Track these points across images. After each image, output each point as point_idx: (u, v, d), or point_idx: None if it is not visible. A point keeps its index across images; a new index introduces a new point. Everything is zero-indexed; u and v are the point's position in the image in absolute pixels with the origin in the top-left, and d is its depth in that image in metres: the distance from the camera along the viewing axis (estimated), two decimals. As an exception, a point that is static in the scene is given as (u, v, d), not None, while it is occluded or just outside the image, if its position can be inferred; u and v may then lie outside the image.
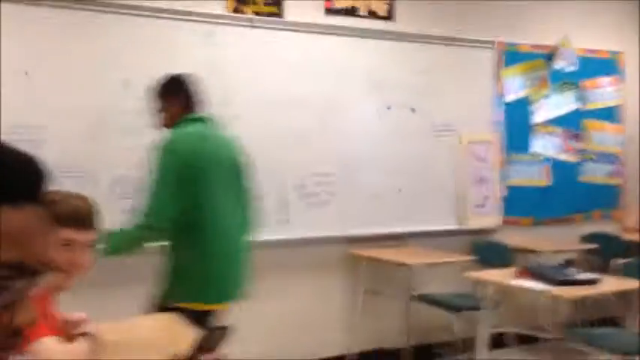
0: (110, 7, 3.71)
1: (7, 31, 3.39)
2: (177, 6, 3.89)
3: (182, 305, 2.53)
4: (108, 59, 3.70)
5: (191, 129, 2.81)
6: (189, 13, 3.91)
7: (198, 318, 2.27)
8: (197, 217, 2.72)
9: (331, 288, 4.46)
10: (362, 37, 4.44)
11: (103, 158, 3.66)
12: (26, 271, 0.69)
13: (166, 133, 2.83)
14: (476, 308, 3.97)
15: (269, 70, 4.14)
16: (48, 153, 3.38)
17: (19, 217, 0.67)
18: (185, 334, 1.61)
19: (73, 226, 1.62)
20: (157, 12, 3.83)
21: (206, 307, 2.71)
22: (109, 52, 3.70)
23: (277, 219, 4.10)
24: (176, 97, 2.90)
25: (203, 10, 3.96)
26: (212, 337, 1.16)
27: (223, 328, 1.17)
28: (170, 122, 2.87)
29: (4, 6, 3.38)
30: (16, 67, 3.45)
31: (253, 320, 3.79)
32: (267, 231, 4.02)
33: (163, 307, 2.61)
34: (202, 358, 1.12)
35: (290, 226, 4.19)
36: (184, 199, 2.68)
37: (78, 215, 1.65)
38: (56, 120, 3.55)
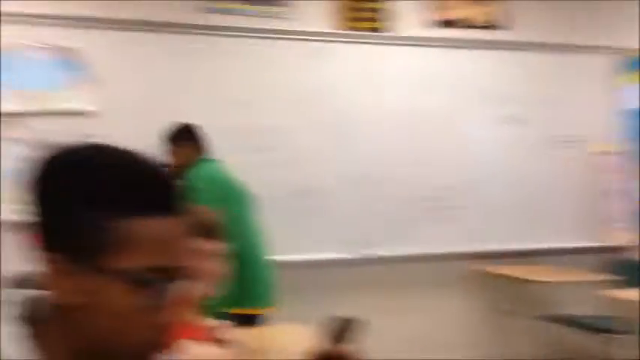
0: (225, 30, 3.86)
1: (145, 57, 3.57)
2: (290, 26, 3.98)
3: (234, 311, 2.79)
4: (226, 80, 3.83)
5: (212, 166, 3.27)
6: (302, 33, 3.99)
7: (248, 321, 2.76)
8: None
9: (455, 305, 4.29)
10: (474, 48, 4.34)
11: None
12: (169, 275, 0.76)
13: (191, 173, 3.19)
14: (616, 331, 3.69)
15: (383, 86, 4.13)
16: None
17: (162, 226, 0.76)
18: (309, 337, 1.62)
19: (204, 235, 1.66)
20: (270, 33, 3.93)
21: (254, 311, 3.06)
22: (226, 74, 3.84)
23: (399, 234, 4.03)
24: (188, 142, 3.31)
25: (314, 29, 4.02)
26: (341, 329, 1.13)
27: (350, 320, 1.14)
28: (184, 163, 3.22)
29: (140, 35, 3.56)
30: (147, 88, 3.64)
31: (375, 337, 3.70)
32: (388, 246, 3.99)
33: (217, 314, 2.78)
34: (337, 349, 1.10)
35: (412, 242, 4.10)
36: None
37: (207, 226, 1.70)
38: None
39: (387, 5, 4.17)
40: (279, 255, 3.33)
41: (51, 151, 0.77)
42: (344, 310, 1.40)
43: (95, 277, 0.74)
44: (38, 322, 0.78)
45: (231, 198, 3.18)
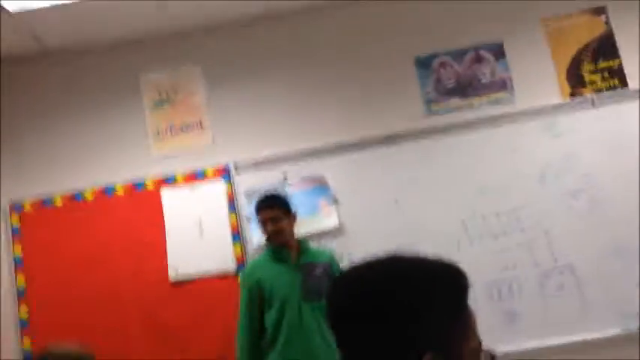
0: (450, 127, 4.03)
1: (376, 171, 3.94)
2: (515, 108, 4.03)
3: None
4: (463, 172, 3.96)
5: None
6: (526, 112, 4.00)
7: None
8: None
9: None
10: None
11: (471, 263, 3.81)
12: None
13: (316, 246, 3.45)
14: None
15: (620, 146, 3.92)
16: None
17: (472, 314, 0.99)
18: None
19: None
20: (497, 119, 4.01)
21: None
22: (460, 166, 3.97)
23: None
24: (295, 211, 3.38)
25: (541, 104, 4.01)
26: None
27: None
28: (291, 237, 3.32)
29: (373, 150, 3.95)
30: (387, 200, 3.94)
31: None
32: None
33: None
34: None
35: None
36: None
37: None
38: (426, 236, 3.85)
39: (612, 63, 4.09)
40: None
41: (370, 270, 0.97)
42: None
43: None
44: None
45: None
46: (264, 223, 3.32)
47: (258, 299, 3.25)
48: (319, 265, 3.31)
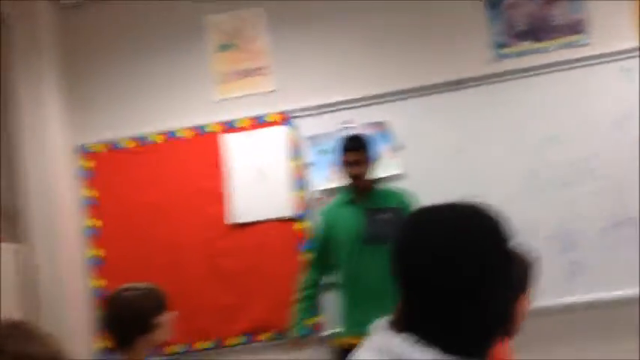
0: (521, 72, 3.87)
1: (443, 117, 3.87)
2: (589, 51, 3.84)
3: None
4: (533, 119, 3.83)
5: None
6: (601, 55, 3.81)
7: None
8: None
9: None
10: None
11: (538, 213, 3.74)
12: None
13: (394, 189, 3.45)
14: None
15: None
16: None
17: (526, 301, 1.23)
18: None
19: None
20: (569, 63, 3.84)
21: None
22: (531, 113, 3.83)
23: None
24: (374, 156, 3.39)
25: (615, 49, 3.81)
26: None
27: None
28: (368, 178, 3.35)
29: (437, 96, 3.86)
30: (453, 148, 3.87)
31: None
32: None
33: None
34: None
35: None
36: None
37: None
38: (495, 184, 3.77)
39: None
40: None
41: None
42: None
43: None
44: None
45: None
46: (346, 164, 3.35)
47: (324, 239, 3.41)
48: (386, 210, 3.31)
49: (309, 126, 3.99)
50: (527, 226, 3.69)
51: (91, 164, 4.14)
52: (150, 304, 2.18)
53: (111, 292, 2.30)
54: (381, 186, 3.51)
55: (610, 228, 3.71)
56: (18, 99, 3.97)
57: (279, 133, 4.01)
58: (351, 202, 3.39)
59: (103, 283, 4.04)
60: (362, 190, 3.39)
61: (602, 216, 3.72)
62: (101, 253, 4.08)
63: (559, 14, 3.91)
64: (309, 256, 3.50)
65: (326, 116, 3.99)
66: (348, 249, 3.30)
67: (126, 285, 2.26)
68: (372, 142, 3.48)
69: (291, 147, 3.98)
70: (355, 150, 3.34)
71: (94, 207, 4.11)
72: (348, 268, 3.31)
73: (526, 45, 3.92)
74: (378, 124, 3.94)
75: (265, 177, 3.99)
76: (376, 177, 3.53)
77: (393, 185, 3.64)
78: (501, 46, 3.94)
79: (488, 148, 3.84)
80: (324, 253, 3.41)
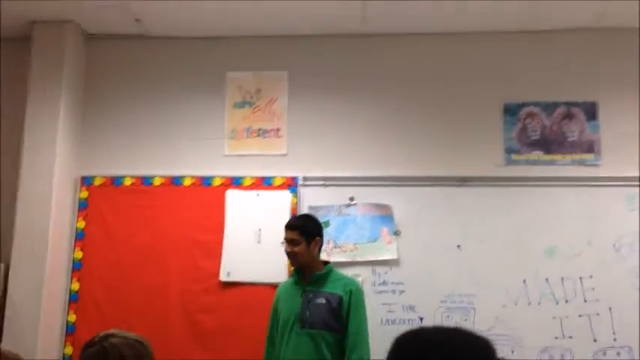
0: (528, 180, 3.92)
1: (443, 211, 3.88)
2: (599, 172, 3.91)
3: None
4: (531, 229, 3.85)
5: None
6: (609, 178, 3.87)
7: None
8: None
9: None
10: None
11: (528, 325, 3.73)
12: None
13: (342, 276, 3.35)
14: None
15: None
16: (478, 319, 3.66)
17: None
18: None
19: None
20: (578, 180, 3.89)
21: None
22: (531, 222, 3.86)
23: None
24: (318, 238, 3.31)
25: (623, 175, 3.88)
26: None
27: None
28: (309, 261, 3.26)
29: (442, 189, 3.88)
30: (450, 243, 3.86)
31: None
32: None
33: None
34: None
35: None
36: None
37: None
38: (484, 288, 3.77)
39: None
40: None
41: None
42: None
43: None
44: None
45: None
46: (285, 242, 3.33)
47: (274, 317, 3.38)
48: (323, 294, 3.25)
49: (312, 195, 3.99)
50: (516, 336, 3.70)
51: (85, 195, 4.09)
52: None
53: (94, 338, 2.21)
54: (330, 271, 3.34)
55: (597, 352, 3.69)
56: (31, 118, 3.96)
57: (283, 197, 4.00)
58: (296, 283, 3.34)
59: (72, 318, 3.94)
60: (306, 272, 3.32)
61: (589, 339, 3.70)
62: (76, 287, 3.98)
63: (575, 131, 3.99)
64: (268, 332, 3.41)
65: (330, 189, 3.99)
66: (284, 330, 3.25)
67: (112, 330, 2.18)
68: (315, 225, 3.37)
69: (292, 213, 3.96)
70: (290, 229, 3.30)
71: (79, 239, 4.04)
72: (281, 349, 3.24)
73: (537, 155, 3.98)
74: (382, 207, 3.94)
75: (262, 239, 3.95)
76: (325, 260, 3.45)
77: (344, 272, 3.50)
78: (513, 151, 4.00)
79: (486, 249, 3.84)
80: (276, 330, 3.35)
